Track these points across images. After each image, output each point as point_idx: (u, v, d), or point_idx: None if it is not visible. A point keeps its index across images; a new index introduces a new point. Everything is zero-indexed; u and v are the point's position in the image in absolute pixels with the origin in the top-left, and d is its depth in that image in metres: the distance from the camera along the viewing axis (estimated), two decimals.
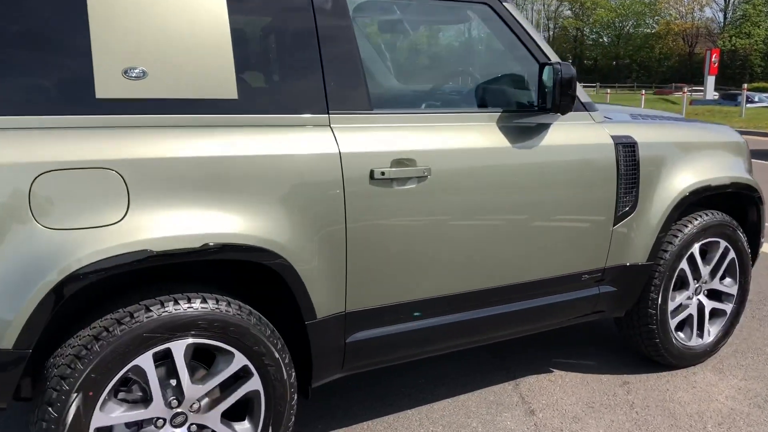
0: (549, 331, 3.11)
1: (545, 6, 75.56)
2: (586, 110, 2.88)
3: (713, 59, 28.86)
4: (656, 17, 69.33)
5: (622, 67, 70.87)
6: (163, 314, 2.02)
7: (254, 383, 2.22)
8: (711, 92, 30.16)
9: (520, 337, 3.02)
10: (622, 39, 70.08)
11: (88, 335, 1.97)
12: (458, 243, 2.54)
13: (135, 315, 2.00)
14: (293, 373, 2.31)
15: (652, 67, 68.43)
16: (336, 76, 2.31)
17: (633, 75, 66.69)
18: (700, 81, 38.34)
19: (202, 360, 2.19)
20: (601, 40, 73.60)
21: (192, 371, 2.14)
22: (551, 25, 76.48)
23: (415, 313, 2.53)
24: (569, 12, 76.36)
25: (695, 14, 69.91)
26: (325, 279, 2.29)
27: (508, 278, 2.71)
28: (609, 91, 41.94)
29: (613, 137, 2.88)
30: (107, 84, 1.97)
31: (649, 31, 69.44)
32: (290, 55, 2.29)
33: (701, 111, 23.43)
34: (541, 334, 3.14)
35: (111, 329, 1.97)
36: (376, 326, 2.47)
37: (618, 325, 3.38)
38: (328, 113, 2.29)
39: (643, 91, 32.62)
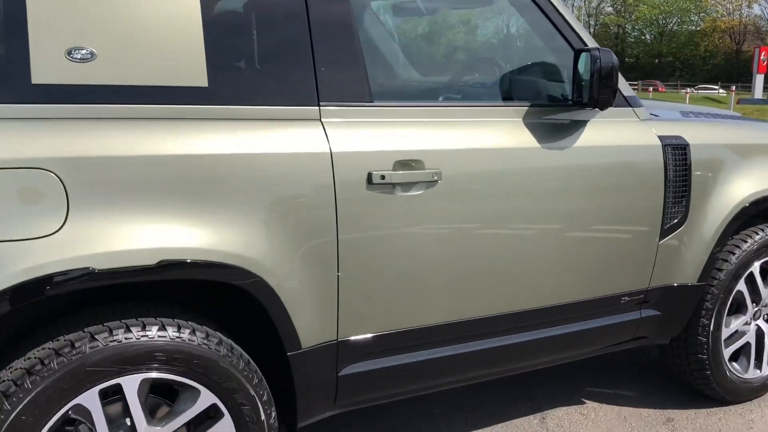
0: None
1: (586, 2, 74.12)
2: (629, 105, 2.50)
3: (762, 57, 28.16)
4: (702, 14, 67.61)
5: (664, 65, 69.26)
6: (111, 344, 1.69)
7: (225, 425, 1.88)
8: (760, 91, 29.44)
9: None
10: (666, 36, 68.48)
11: (20, 368, 1.65)
12: (474, 260, 2.17)
13: (77, 345, 1.67)
14: (273, 413, 1.96)
15: (696, 65, 66.79)
16: (329, 62, 1.96)
17: (676, 73, 65.06)
18: (747, 79, 37.34)
19: (166, 394, 1.85)
20: (643, 37, 72.04)
21: (152, 409, 1.82)
22: (592, 22, 74.94)
23: (424, 342, 2.17)
24: (611, 9, 74.93)
25: (743, 11, 68.12)
26: (311, 302, 1.94)
27: (534, 301, 2.34)
28: (651, 88, 40.85)
29: (660, 137, 2.50)
30: (46, 67, 1.64)
31: (693, 28, 67.73)
32: (274, 35, 1.94)
33: (749, 110, 22.69)
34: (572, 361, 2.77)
35: (47, 361, 1.64)
36: (376, 357, 2.12)
37: (662, 353, 2.98)
38: (319, 105, 1.94)
39: (687, 90, 31.73)
